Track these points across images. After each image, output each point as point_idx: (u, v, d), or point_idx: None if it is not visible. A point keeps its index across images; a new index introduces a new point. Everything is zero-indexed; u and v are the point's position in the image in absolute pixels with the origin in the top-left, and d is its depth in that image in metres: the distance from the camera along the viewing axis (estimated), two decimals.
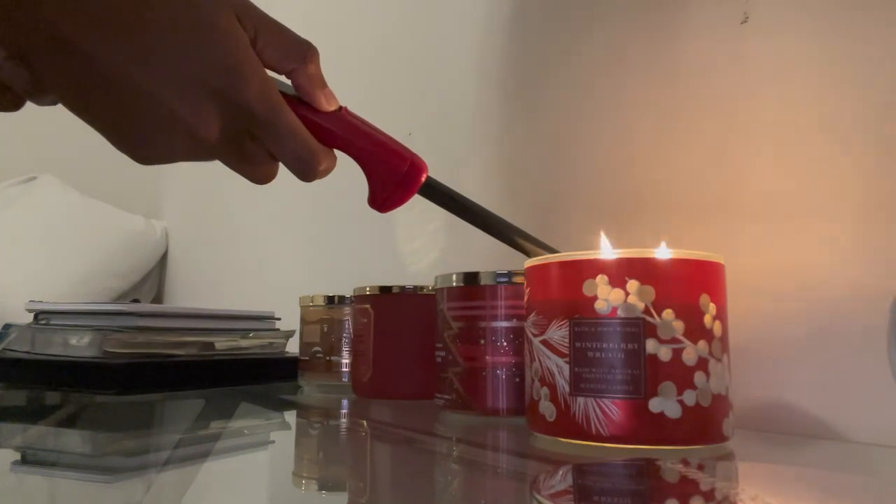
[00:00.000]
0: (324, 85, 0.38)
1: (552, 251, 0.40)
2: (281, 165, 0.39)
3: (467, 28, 0.74)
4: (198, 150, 0.35)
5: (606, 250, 0.36)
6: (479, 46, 0.73)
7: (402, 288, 0.55)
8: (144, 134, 0.34)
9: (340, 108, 0.39)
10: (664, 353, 0.33)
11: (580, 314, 0.35)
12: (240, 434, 0.46)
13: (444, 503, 0.29)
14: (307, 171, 0.38)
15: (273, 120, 0.35)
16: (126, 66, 0.31)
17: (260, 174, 0.38)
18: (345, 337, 0.60)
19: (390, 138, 0.40)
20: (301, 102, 0.38)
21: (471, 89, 0.73)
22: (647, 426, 0.33)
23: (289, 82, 0.38)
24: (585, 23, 0.60)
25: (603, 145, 0.57)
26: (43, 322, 0.71)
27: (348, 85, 0.95)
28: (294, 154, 0.37)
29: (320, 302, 0.62)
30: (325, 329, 0.61)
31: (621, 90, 0.56)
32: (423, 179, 0.40)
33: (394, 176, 0.39)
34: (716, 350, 0.34)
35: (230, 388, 0.67)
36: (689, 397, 0.33)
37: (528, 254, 0.41)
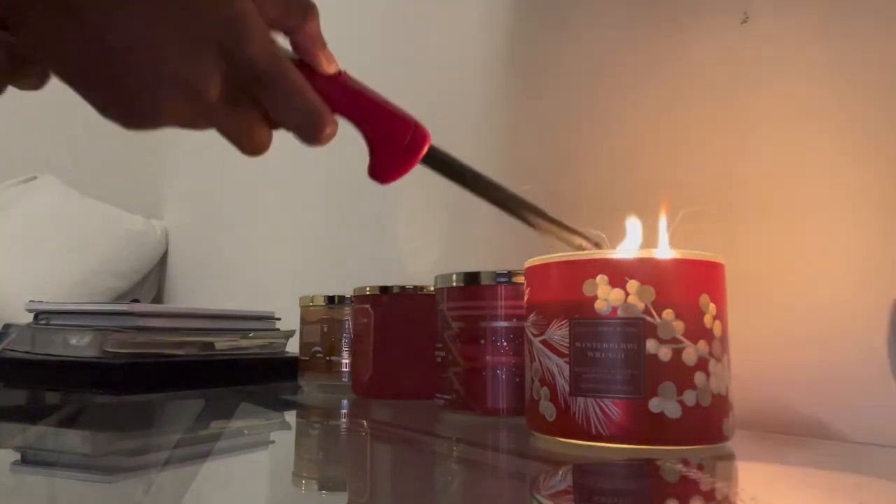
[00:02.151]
0: (324, 45, 0.36)
1: (569, 230, 0.39)
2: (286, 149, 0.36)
3: (468, 28, 0.74)
4: (194, 112, 0.33)
5: (631, 233, 0.35)
6: (480, 47, 0.72)
7: (402, 288, 0.55)
8: (138, 93, 0.31)
9: (341, 71, 0.37)
10: (664, 353, 0.33)
11: (580, 314, 0.35)
12: (240, 434, 0.46)
13: (444, 503, 0.29)
14: (314, 130, 0.35)
15: (278, 75, 0.33)
16: (122, 18, 0.30)
17: (255, 143, 0.36)
18: (345, 337, 0.60)
19: (393, 104, 0.38)
20: (300, 65, 0.36)
21: (471, 89, 0.73)
22: (647, 426, 0.33)
23: (286, 45, 0.36)
24: (586, 23, 0.60)
25: (603, 146, 0.57)
26: (43, 322, 0.71)
27: None
28: (300, 112, 0.34)
29: (320, 302, 0.62)
30: (325, 329, 0.61)
31: (621, 90, 0.56)
32: (427, 148, 0.38)
33: (396, 144, 0.38)
34: (716, 350, 0.34)
35: (230, 388, 0.67)
36: (689, 397, 0.33)
37: (542, 231, 0.39)
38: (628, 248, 0.39)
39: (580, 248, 0.39)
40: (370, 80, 0.39)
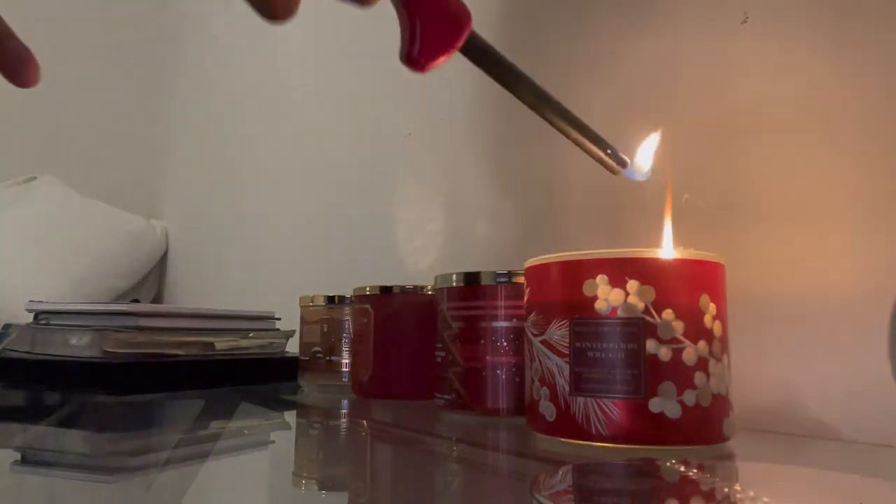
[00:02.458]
0: None
1: (599, 142, 0.38)
2: None
3: None
4: None
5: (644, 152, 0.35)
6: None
7: (402, 288, 0.55)
8: None
9: None
10: (664, 353, 0.33)
11: (580, 314, 0.35)
12: (240, 434, 0.46)
13: (444, 503, 0.29)
14: None
15: None
16: None
17: None
18: (345, 337, 0.60)
19: None
20: None
21: (470, 89, 0.73)
22: (647, 426, 0.33)
23: None
24: (585, 22, 0.60)
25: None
26: (43, 322, 0.71)
27: (349, 85, 0.95)
28: None
29: (320, 302, 0.62)
30: (325, 329, 0.61)
31: (620, 89, 0.56)
32: (468, 33, 0.35)
33: (438, 22, 0.34)
34: (716, 350, 0.34)
35: (230, 388, 0.67)
36: (689, 397, 0.33)
37: (571, 139, 0.38)
38: (643, 158, 0.39)
39: (603, 162, 0.38)
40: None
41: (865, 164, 0.41)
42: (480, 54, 0.36)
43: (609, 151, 0.38)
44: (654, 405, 0.33)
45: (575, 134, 0.37)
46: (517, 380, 0.43)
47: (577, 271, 0.35)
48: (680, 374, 0.33)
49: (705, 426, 0.34)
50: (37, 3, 1.48)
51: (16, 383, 0.67)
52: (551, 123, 0.38)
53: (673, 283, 0.34)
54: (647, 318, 0.33)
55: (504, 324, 0.44)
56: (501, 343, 0.44)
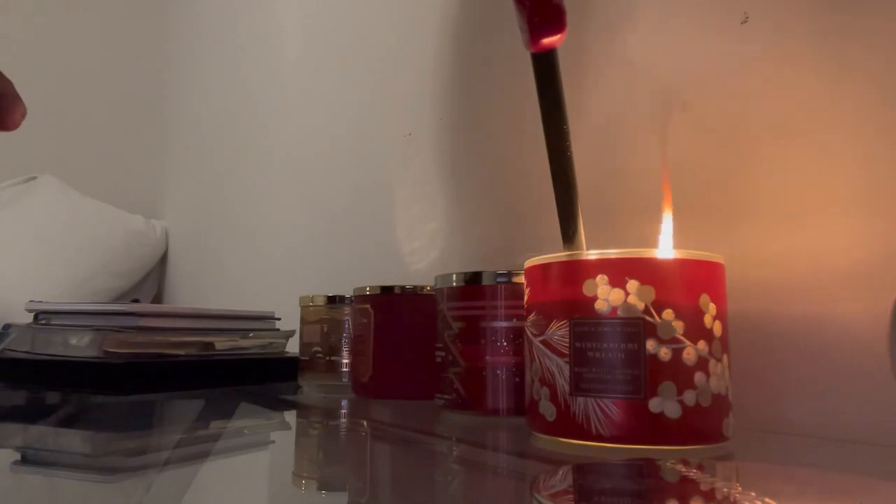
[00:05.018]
0: None
1: (573, 227, 0.38)
2: None
3: (468, 29, 0.74)
4: None
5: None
6: (479, 47, 0.72)
7: (402, 288, 0.55)
8: None
9: None
10: (664, 353, 0.33)
11: (580, 314, 0.35)
12: (240, 434, 0.46)
13: (444, 503, 0.29)
14: None
15: None
16: None
17: None
18: (345, 337, 0.60)
19: None
20: None
21: (470, 89, 0.73)
22: (647, 426, 0.33)
23: None
24: (584, 20, 0.60)
25: (603, 145, 0.57)
26: (43, 322, 0.71)
27: (350, 85, 0.95)
28: None
29: (320, 302, 0.62)
30: (325, 329, 0.61)
31: (621, 89, 0.56)
32: (557, 39, 0.36)
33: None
34: (716, 350, 0.34)
35: (230, 388, 0.67)
36: (689, 397, 0.33)
37: (558, 204, 0.38)
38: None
39: (565, 245, 0.39)
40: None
41: (866, 164, 0.41)
42: (546, 74, 0.38)
43: (569, 244, 0.38)
44: (654, 405, 0.33)
45: (561, 207, 0.38)
46: (517, 380, 0.43)
47: (577, 271, 0.35)
48: (680, 374, 0.33)
49: (705, 426, 0.34)
50: (37, 4, 1.48)
51: (16, 383, 0.67)
52: (553, 181, 0.38)
53: (673, 283, 0.34)
54: (647, 318, 0.33)
55: (504, 324, 0.44)
56: (501, 343, 0.44)
